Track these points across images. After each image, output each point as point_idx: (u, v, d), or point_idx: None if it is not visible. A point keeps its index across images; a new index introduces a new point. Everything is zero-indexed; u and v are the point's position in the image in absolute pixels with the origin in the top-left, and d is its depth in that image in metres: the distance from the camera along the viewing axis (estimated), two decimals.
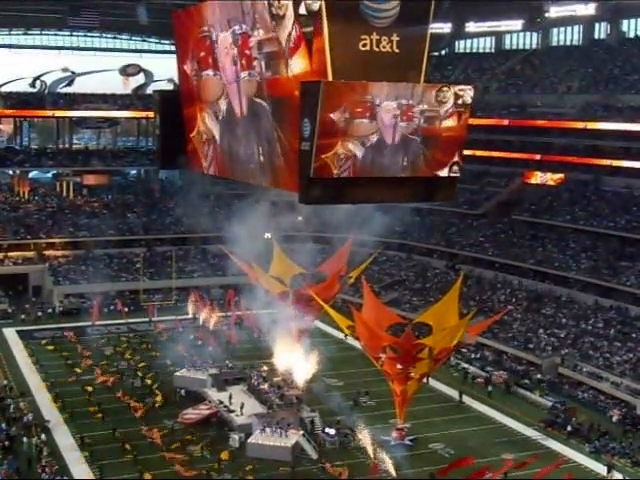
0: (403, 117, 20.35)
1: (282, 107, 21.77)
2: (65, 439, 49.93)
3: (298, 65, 20.06)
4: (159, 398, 56.13)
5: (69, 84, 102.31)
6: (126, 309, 77.01)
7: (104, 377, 59.27)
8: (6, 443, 47.80)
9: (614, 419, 56.40)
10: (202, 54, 25.80)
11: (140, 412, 53.09)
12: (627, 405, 57.46)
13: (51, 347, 67.74)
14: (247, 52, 22.63)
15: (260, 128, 23.10)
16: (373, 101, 19.70)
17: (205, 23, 25.31)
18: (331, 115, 19.19)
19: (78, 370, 61.55)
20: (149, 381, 59.54)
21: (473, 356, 68.09)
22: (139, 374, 60.77)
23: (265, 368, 59.75)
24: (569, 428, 53.76)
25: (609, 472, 46.44)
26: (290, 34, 19.93)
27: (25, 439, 48.78)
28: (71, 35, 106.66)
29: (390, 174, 20.59)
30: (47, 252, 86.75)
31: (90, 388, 57.28)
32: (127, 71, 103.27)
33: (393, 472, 45.20)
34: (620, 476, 46.79)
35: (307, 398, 55.63)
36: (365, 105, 19.67)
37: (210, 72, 25.59)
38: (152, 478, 44.08)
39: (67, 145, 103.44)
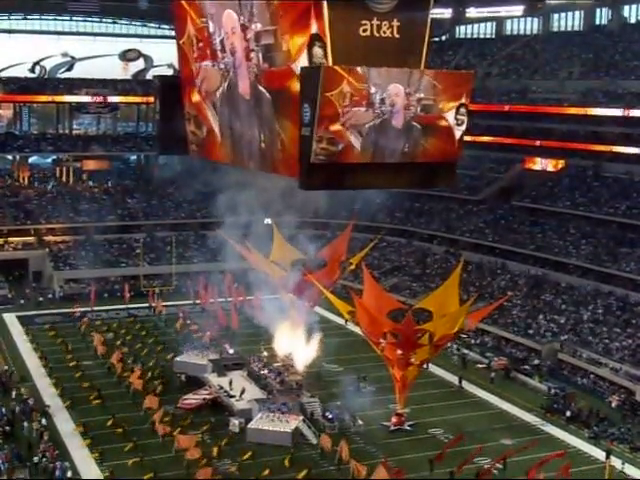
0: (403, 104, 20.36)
1: (280, 98, 21.75)
2: (65, 424, 50.08)
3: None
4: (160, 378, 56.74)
5: (69, 69, 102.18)
6: (129, 294, 76.96)
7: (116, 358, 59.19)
8: (7, 428, 47.94)
9: (613, 405, 56.53)
10: (200, 45, 25.73)
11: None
12: (626, 391, 57.54)
13: (52, 332, 67.80)
14: (245, 44, 22.59)
15: (262, 114, 23.05)
16: (368, 88, 19.64)
17: (203, 14, 25.22)
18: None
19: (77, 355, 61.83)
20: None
21: (473, 342, 68.21)
22: (140, 359, 60.99)
23: (265, 353, 59.81)
24: (568, 414, 53.89)
25: (608, 457, 46.53)
26: None
27: (25, 424, 48.91)
28: (71, 20, 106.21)
29: (393, 155, 20.57)
30: (47, 237, 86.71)
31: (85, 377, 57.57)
32: (127, 56, 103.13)
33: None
34: (619, 461, 46.87)
35: (307, 383, 55.76)
36: (362, 93, 19.62)
37: (209, 63, 25.52)
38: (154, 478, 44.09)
39: (67, 130, 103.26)
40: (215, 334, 63.94)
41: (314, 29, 19.34)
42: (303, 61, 20.03)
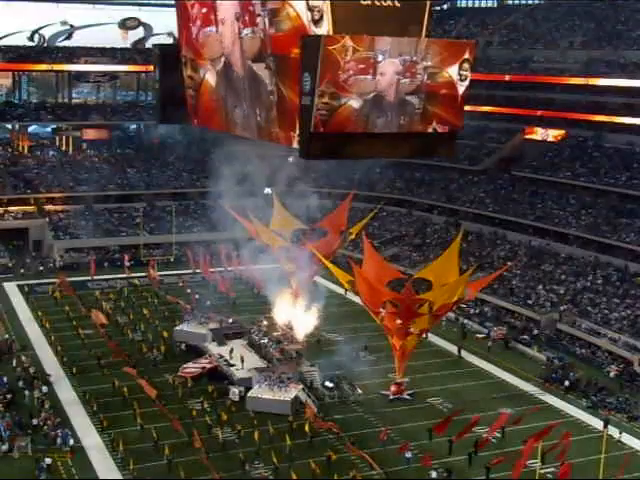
0: (406, 74, 20.30)
1: (284, 64, 21.69)
2: (66, 392, 50.34)
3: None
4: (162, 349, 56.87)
5: (68, 37, 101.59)
6: (128, 263, 76.88)
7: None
8: (8, 396, 48.17)
9: (611, 375, 56.78)
10: (204, 10, 25.60)
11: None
12: (624, 361, 57.80)
13: (52, 301, 67.99)
14: (250, 8, 22.48)
15: (259, 90, 22.98)
16: (375, 57, 19.57)
17: None
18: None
19: (77, 323, 61.98)
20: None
21: (472, 311, 68.37)
22: (139, 328, 61.12)
23: (265, 323, 59.93)
24: (567, 383, 54.16)
25: (605, 427, 46.79)
26: None
27: (27, 392, 49.16)
28: None
29: (395, 124, 20.54)
30: (47, 207, 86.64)
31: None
32: (126, 24, 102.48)
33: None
34: (616, 431, 47.16)
35: (306, 352, 55.97)
36: (368, 61, 19.56)
37: (212, 29, 25.41)
38: None
39: (66, 99, 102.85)
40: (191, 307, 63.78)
41: None
42: None
